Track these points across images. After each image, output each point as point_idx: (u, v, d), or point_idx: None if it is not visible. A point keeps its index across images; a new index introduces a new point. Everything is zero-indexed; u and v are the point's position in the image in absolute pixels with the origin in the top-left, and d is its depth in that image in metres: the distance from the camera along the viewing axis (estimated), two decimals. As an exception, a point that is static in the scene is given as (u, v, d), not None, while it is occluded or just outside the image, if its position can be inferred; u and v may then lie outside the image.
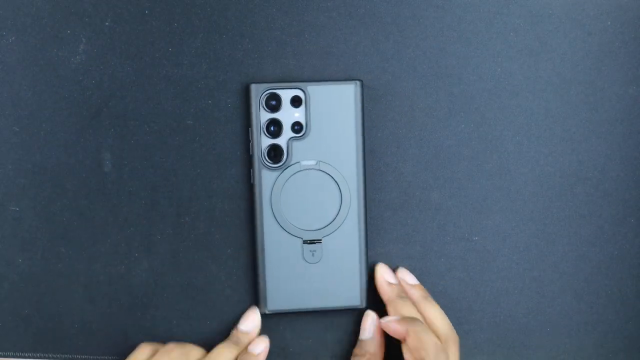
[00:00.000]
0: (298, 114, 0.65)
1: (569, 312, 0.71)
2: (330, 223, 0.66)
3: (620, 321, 0.71)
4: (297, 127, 0.65)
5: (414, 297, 0.67)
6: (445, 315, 0.66)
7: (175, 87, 0.66)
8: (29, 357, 0.68)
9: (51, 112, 0.66)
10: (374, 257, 0.68)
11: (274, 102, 0.65)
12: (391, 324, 0.63)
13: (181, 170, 0.67)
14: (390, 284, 0.67)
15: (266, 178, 0.65)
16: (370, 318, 0.67)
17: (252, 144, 0.65)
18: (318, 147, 0.65)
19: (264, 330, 0.68)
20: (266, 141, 0.65)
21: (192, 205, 0.67)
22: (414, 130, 0.68)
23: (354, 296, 0.67)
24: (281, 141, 0.65)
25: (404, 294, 0.67)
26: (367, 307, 0.68)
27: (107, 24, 0.65)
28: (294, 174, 0.66)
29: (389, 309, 0.66)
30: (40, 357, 0.68)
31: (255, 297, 0.68)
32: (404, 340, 0.62)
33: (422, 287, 0.68)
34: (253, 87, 0.65)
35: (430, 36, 0.67)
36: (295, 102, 0.65)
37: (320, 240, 0.66)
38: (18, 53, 0.65)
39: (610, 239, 0.70)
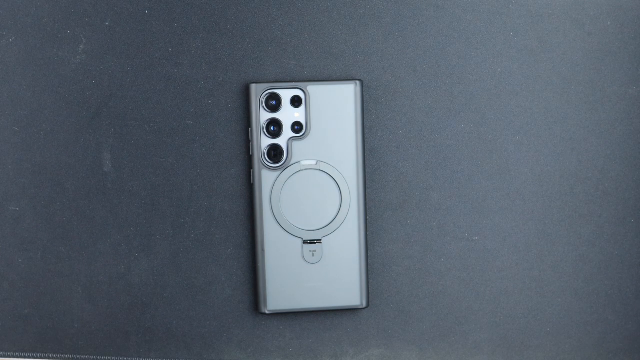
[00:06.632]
0: (298, 114, 0.65)
1: (569, 312, 0.71)
2: (330, 223, 0.66)
3: (620, 321, 0.71)
4: (297, 127, 0.65)
5: None
6: None
7: (175, 87, 0.66)
8: (29, 357, 0.68)
9: (51, 112, 0.66)
10: (374, 257, 0.68)
11: (274, 102, 0.65)
12: None
13: (181, 170, 0.67)
14: None
15: (266, 178, 0.65)
16: None
17: (252, 144, 0.65)
18: (318, 147, 0.65)
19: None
20: (266, 141, 0.65)
21: (192, 205, 0.67)
22: (414, 130, 0.68)
23: (354, 296, 0.67)
24: (281, 141, 0.65)
25: None
26: (367, 307, 0.68)
27: (107, 24, 0.65)
28: (294, 174, 0.66)
29: None
30: (40, 357, 0.68)
31: (255, 297, 0.68)
32: None
33: None
34: (253, 87, 0.65)
35: (430, 36, 0.67)
36: (295, 102, 0.65)
37: (320, 240, 0.66)
38: (18, 53, 0.65)
39: (610, 239, 0.70)
